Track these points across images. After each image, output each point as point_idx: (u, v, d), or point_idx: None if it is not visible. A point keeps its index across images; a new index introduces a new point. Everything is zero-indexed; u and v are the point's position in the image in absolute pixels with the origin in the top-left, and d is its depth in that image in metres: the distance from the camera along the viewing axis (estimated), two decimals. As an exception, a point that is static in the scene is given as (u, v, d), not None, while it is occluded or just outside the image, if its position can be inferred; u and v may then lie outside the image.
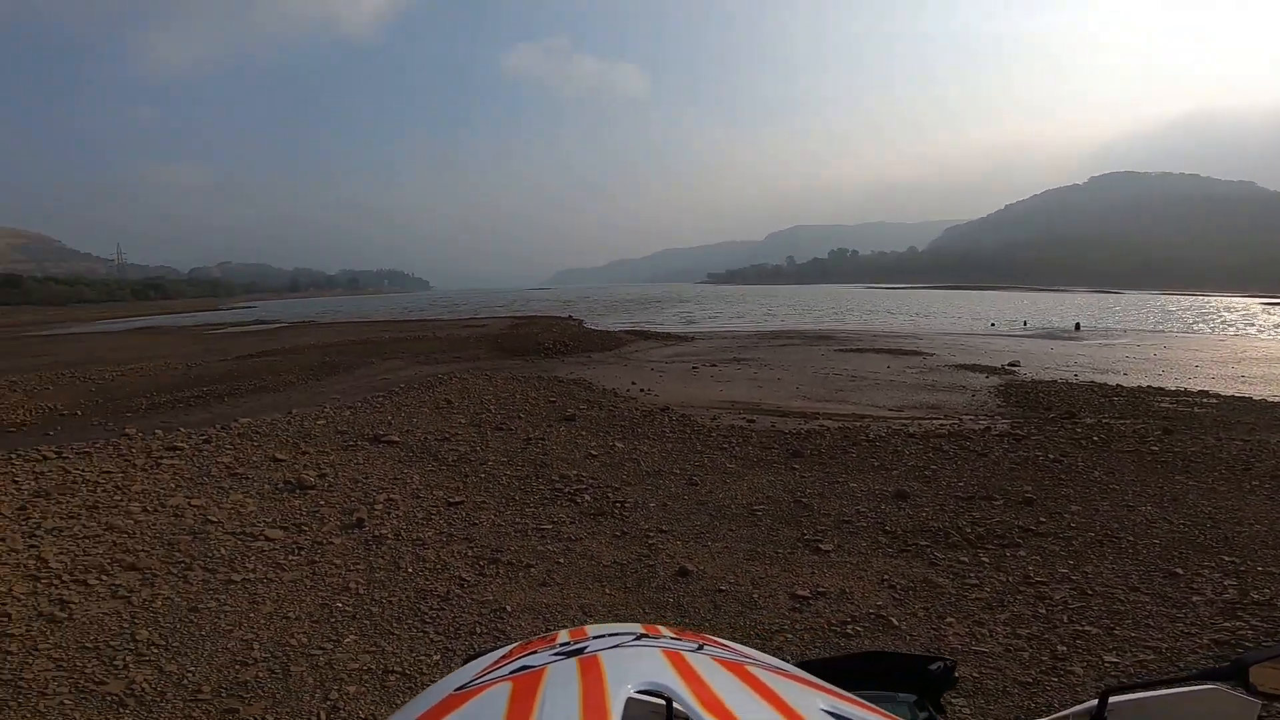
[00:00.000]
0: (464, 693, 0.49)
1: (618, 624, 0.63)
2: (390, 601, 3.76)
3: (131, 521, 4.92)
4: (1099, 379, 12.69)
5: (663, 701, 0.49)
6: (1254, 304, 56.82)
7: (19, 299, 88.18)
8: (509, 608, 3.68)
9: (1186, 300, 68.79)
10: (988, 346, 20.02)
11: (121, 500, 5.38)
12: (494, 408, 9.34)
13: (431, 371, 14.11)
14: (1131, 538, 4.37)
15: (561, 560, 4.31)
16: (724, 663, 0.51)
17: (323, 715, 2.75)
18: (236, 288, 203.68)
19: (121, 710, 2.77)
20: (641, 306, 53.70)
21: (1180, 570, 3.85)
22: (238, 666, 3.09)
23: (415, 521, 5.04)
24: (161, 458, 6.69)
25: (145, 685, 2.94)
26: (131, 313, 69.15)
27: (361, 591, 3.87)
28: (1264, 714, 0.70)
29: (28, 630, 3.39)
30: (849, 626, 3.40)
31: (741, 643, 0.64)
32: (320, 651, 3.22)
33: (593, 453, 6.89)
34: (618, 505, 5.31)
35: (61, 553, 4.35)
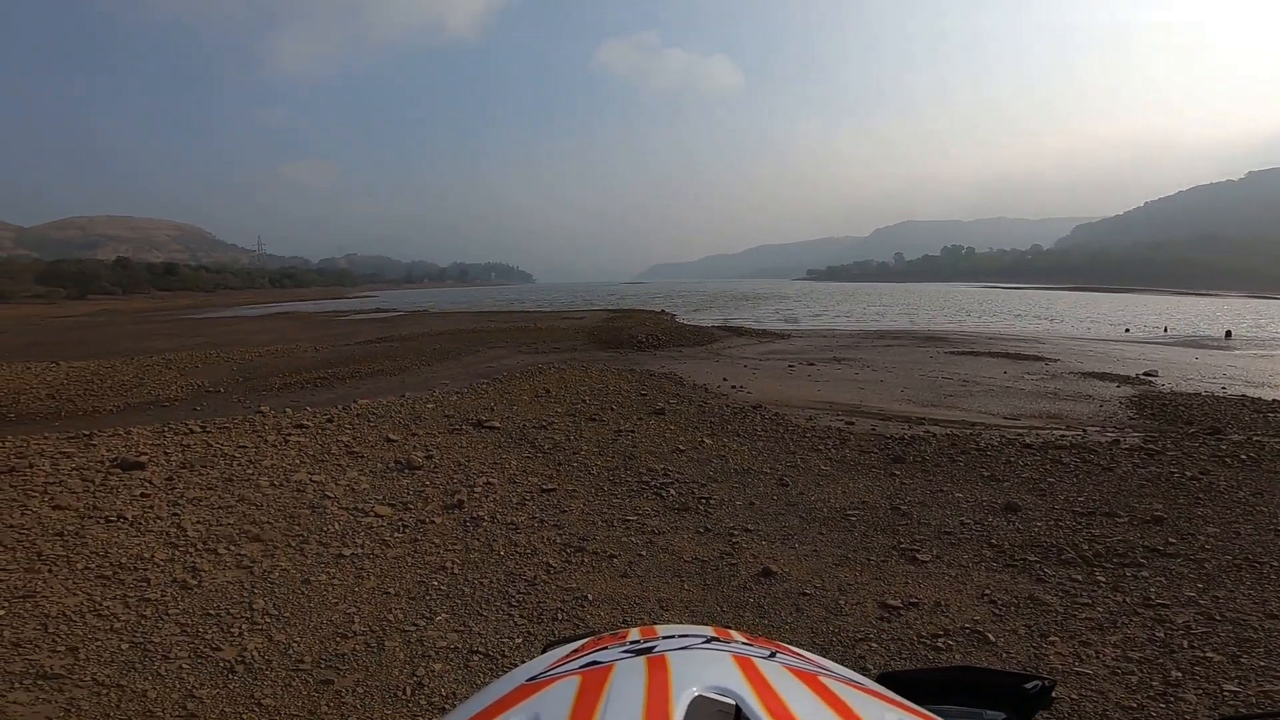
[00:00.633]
0: (535, 683, 0.50)
1: (689, 625, 0.63)
2: (481, 583, 3.93)
3: (260, 494, 5.40)
4: (1252, 393, 11.29)
5: (731, 706, 0.49)
6: None
7: (177, 285, 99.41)
8: (590, 596, 3.75)
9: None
10: (1120, 354, 18.26)
11: (253, 474, 5.92)
12: (588, 398, 9.54)
13: (532, 361, 14.63)
14: (1277, 563, 3.88)
15: (644, 553, 4.35)
16: (796, 671, 0.50)
17: (409, 691, 2.89)
18: (360, 278, 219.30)
19: (230, 676, 2.98)
20: (736, 303, 52.98)
21: (1332, 602, 3.38)
22: (338, 639, 3.29)
23: (510, 505, 5.24)
24: (289, 434, 7.32)
25: (255, 653, 3.16)
26: (269, 299, 76.35)
27: (456, 571, 4.07)
28: None
29: (162, 595, 3.73)
30: (940, 640, 3.22)
31: (822, 650, 0.62)
32: (414, 628, 3.40)
33: (680, 447, 6.89)
34: (703, 501, 5.29)
35: (199, 522, 4.81)
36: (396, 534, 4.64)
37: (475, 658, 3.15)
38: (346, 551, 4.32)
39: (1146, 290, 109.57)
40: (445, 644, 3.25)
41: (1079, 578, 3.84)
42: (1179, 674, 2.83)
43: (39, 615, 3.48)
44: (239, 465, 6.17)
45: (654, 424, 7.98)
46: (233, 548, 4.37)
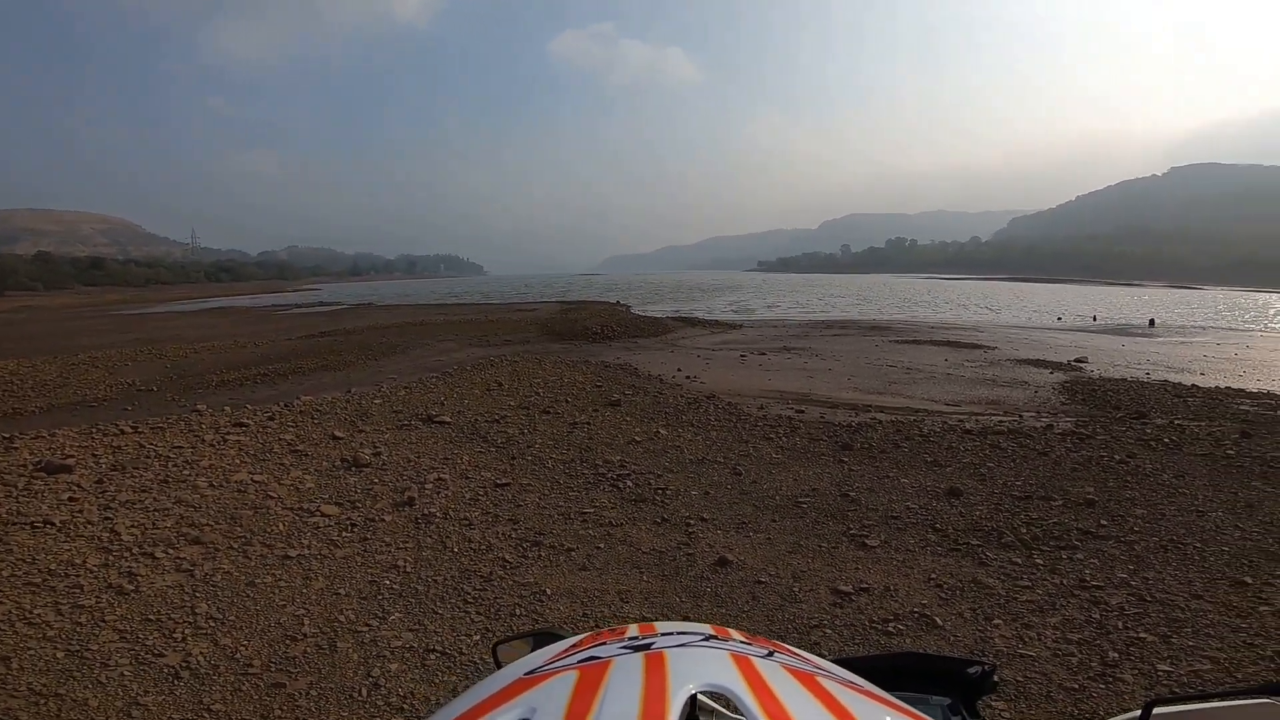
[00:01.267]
0: (533, 677, 0.50)
1: (688, 623, 0.64)
2: (435, 580, 3.87)
3: (198, 496, 5.18)
4: (1173, 378, 12.01)
5: (727, 704, 0.49)
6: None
7: (104, 280, 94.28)
8: (548, 591, 3.73)
9: (1275, 297, 64.18)
10: (1054, 341, 19.17)
11: (190, 475, 5.67)
12: (542, 391, 9.47)
13: (483, 354, 14.43)
14: (1199, 544, 4.14)
15: (601, 545, 4.35)
16: (793, 671, 0.50)
17: (365, 691, 2.83)
18: (302, 271, 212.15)
19: (176, 682, 2.88)
20: (690, 294, 53.37)
21: (1249, 579, 3.63)
22: (288, 641, 3.21)
23: (463, 501, 5.16)
24: (229, 434, 7.04)
25: (200, 658, 3.06)
26: (205, 294, 73.01)
27: (409, 570, 3.99)
28: None
29: (97, 602, 3.57)
30: (891, 625, 3.33)
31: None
32: (366, 629, 3.33)
33: (636, 439, 6.91)
34: (659, 492, 5.32)
35: (133, 526, 4.60)
36: (345, 533, 4.52)
37: (432, 656, 3.10)
38: (293, 552, 4.19)
39: (1079, 281, 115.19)
40: (400, 643, 3.20)
41: (1019, 560, 4.02)
42: (1115, 655, 2.98)
43: (-41, 628, 3.27)
44: (175, 466, 5.91)
45: (609, 416, 7.98)
46: (171, 551, 4.19)
